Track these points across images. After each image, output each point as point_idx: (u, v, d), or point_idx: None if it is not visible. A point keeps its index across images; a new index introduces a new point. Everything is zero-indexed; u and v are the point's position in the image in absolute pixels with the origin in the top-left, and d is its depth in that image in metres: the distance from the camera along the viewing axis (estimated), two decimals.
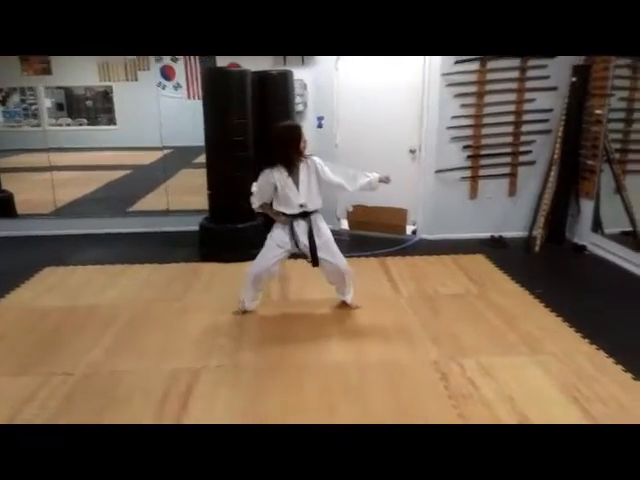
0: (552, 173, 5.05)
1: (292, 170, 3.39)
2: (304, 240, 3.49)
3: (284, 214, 3.48)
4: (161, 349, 3.25)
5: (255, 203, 3.50)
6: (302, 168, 3.41)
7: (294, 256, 4.73)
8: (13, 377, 2.96)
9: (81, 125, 10.89)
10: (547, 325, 3.49)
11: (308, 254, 3.54)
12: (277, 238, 3.52)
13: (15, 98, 10.25)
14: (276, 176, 3.36)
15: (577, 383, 2.79)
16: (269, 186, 3.39)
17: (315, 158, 3.48)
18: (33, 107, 10.29)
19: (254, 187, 3.45)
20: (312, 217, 3.50)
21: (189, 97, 9.87)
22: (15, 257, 5.14)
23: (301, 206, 3.43)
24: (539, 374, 2.90)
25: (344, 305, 3.83)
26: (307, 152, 3.45)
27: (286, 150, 3.36)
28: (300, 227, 3.48)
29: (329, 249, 3.57)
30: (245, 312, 3.72)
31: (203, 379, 2.90)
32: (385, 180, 3.60)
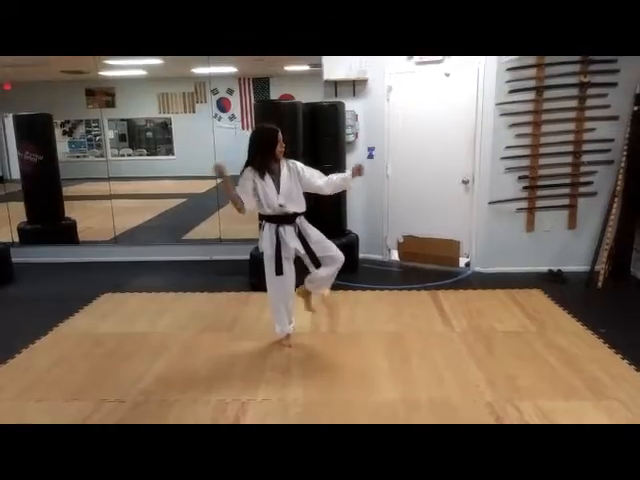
0: (615, 205, 4.82)
1: (272, 172, 3.39)
2: (295, 244, 3.46)
3: (267, 218, 3.48)
4: (209, 379, 3.26)
5: (240, 205, 3.39)
6: (283, 170, 3.42)
7: (342, 288, 4.73)
8: (69, 402, 3.03)
9: (141, 155, 11.42)
10: (612, 368, 3.27)
11: (303, 257, 3.52)
12: (270, 252, 3.50)
13: (80, 130, 10.88)
14: (256, 176, 3.37)
15: None
16: (249, 183, 3.37)
17: (296, 161, 3.50)
18: (97, 138, 10.89)
19: (237, 189, 3.41)
20: (297, 221, 3.48)
21: (243, 128, 10.21)
22: (74, 283, 5.34)
23: (281, 206, 3.40)
24: (603, 420, 2.71)
25: (307, 298, 3.76)
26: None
27: (260, 153, 3.37)
28: (287, 232, 3.46)
29: (324, 247, 3.51)
30: (288, 337, 3.72)
31: (250, 412, 2.88)
32: (358, 172, 3.45)
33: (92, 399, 3.04)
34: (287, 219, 3.45)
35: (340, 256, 3.52)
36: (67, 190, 7.05)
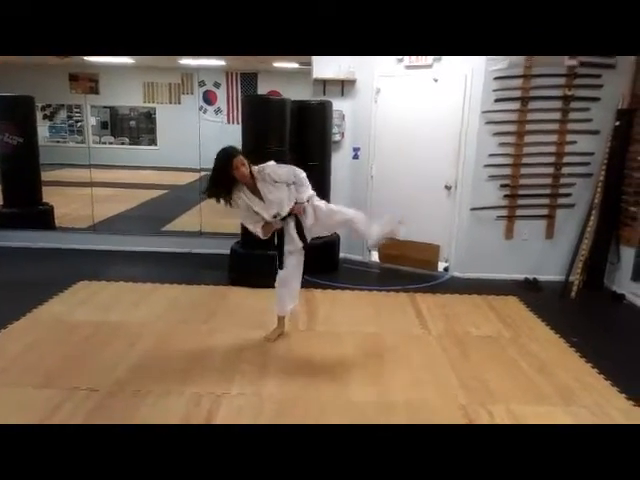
0: (592, 218, 4.93)
1: (252, 190, 3.31)
2: (293, 233, 3.47)
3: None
4: (184, 372, 3.24)
5: (256, 231, 3.44)
6: (260, 183, 3.30)
7: (322, 286, 4.75)
8: (39, 389, 2.98)
9: (123, 144, 11.25)
10: (581, 376, 3.35)
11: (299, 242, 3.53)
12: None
13: (62, 115, 10.67)
14: (242, 197, 3.33)
15: None
16: (246, 207, 3.37)
17: (266, 166, 3.32)
18: (78, 124, 10.68)
19: (241, 219, 3.48)
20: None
21: (229, 121, 10.14)
22: (50, 269, 5.25)
23: (275, 217, 3.40)
24: None
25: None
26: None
27: (217, 179, 3.26)
28: (289, 225, 3.46)
29: (328, 213, 3.49)
30: (278, 330, 3.73)
31: (224, 406, 2.87)
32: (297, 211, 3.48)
33: (64, 387, 2.99)
34: (287, 215, 3.45)
35: (348, 215, 3.54)
36: (46, 175, 6.91)
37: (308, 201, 3.45)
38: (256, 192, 3.33)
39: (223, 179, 3.25)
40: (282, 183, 3.34)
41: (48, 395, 2.90)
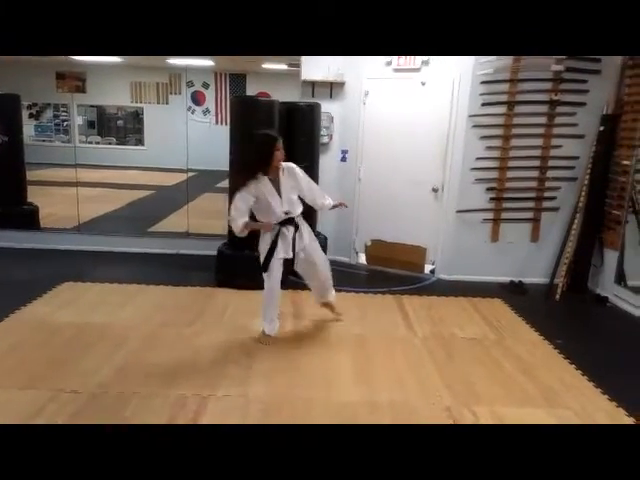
0: (576, 221, 4.99)
1: (272, 180, 3.42)
2: (290, 241, 3.54)
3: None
4: (170, 374, 3.22)
5: (238, 223, 3.39)
6: (282, 176, 3.44)
7: (309, 288, 4.74)
8: (22, 390, 2.95)
9: (110, 144, 11.14)
10: (566, 378, 3.38)
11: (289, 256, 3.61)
12: (266, 252, 3.55)
13: (48, 113, 10.55)
14: (258, 187, 3.39)
15: None
16: (249, 199, 3.39)
17: (293, 165, 3.52)
18: (65, 123, 10.57)
19: (232, 209, 3.43)
20: (297, 220, 3.56)
21: (217, 122, 10.10)
22: (35, 270, 5.19)
23: (286, 213, 3.46)
24: None
25: (327, 308, 4.10)
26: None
27: (259, 160, 3.38)
28: (289, 232, 3.52)
29: (312, 254, 3.69)
30: (270, 337, 3.70)
31: (210, 408, 2.86)
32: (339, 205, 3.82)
33: (47, 389, 2.96)
34: (290, 221, 3.51)
35: (323, 270, 3.81)
36: (31, 174, 6.83)
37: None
38: (275, 184, 3.42)
39: (264, 161, 3.36)
40: (297, 185, 3.51)
41: (31, 397, 2.87)
